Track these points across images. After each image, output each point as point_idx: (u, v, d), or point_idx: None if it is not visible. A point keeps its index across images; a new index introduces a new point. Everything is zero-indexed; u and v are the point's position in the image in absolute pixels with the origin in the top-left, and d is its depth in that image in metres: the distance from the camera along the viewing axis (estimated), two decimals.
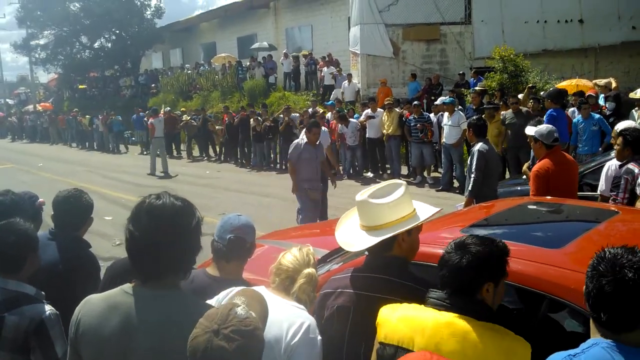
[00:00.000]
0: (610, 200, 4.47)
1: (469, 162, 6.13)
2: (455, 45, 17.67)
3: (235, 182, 13.87)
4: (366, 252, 2.40)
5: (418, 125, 11.83)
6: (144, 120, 19.53)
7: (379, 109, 13.16)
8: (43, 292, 2.51)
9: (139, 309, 1.78)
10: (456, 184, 11.27)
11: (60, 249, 3.04)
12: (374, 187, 2.38)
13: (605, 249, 1.68)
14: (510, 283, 2.18)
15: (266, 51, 23.48)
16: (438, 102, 12.30)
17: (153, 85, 28.29)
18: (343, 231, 2.48)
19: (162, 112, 17.92)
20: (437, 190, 11.21)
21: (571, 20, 17.43)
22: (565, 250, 2.56)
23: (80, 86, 34.35)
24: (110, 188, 13.39)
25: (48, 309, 2.42)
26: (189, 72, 27.02)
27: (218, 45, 29.96)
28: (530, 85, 12.15)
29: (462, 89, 14.87)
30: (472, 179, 5.84)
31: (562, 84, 12.80)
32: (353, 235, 2.38)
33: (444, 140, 11.16)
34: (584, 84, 12.69)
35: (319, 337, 2.09)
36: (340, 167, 13.56)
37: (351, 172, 13.69)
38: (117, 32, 34.25)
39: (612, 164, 4.79)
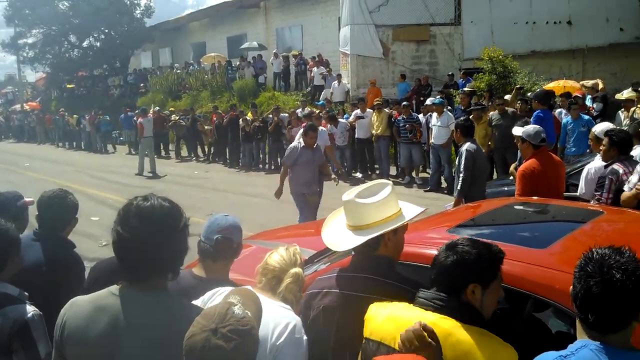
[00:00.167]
0: (594, 200, 4.50)
1: (457, 162, 6.16)
2: (444, 46, 17.75)
3: (224, 182, 13.83)
4: (352, 252, 2.41)
5: (407, 125, 11.85)
6: (133, 120, 19.43)
7: (368, 110, 13.17)
8: (26, 293, 2.48)
9: (127, 310, 1.78)
10: (444, 184, 11.31)
11: (45, 250, 3.01)
12: (360, 187, 2.38)
13: (593, 250, 1.67)
14: None
15: (256, 51, 23.44)
16: (427, 102, 12.34)
17: (142, 84, 28.13)
18: (329, 231, 2.48)
19: (151, 112, 17.85)
20: (426, 191, 11.24)
21: (559, 22, 17.58)
22: (550, 250, 2.58)
23: (69, 85, 34.09)
24: (97, 188, 13.30)
25: (31, 310, 2.39)
26: (178, 71, 26.88)
27: (208, 44, 29.86)
28: (518, 86, 12.22)
29: (451, 90, 14.94)
30: (460, 179, 5.87)
31: (550, 85, 12.89)
32: (339, 235, 2.38)
33: (432, 140, 11.20)
34: (572, 85, 12.79)
35: (305, 337, 2.09)
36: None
37: (340, 172, 13.67)
38: (106, 31, 34.01)
39: (591, 167, 4.82)
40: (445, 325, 1.81)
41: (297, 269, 2.24)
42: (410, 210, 2.37)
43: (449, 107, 12.12)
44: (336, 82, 17.69)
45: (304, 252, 4.03)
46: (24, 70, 40.97)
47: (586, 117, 9.15)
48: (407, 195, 10.64)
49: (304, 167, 7.10)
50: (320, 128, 10.95)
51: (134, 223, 1.79)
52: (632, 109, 8.93)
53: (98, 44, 35.12)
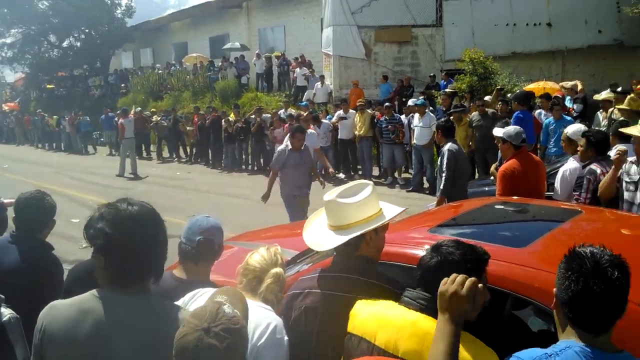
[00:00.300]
0: (573, 201, 4.56)
1: (439, 162, 6.20)
2: (426, 47, 17.87)
3: (206, 183, 13.76)
4: (334, 252, 2.41)
5: (389, 126, 11.90)
6: (114, 121, 19.24)
7: (351, 110, 13.21)
8: (3, 296, 2.44)
9: (115, 313, 1.77)
10: (426, 184, 11.37)
11: (22, 252, 2.97)
12: (341, 187, 2.38)
13: (582, 249, 1.67)
14: None
15: (238, 51, 23.35)
16: (409, 103, 12.41)
17: (123, 85, 27.87)
18: (311, 231, 2.48)
19: (132, 113, 17.72)
20: (408, 191, 11.29)
21: (539, 24, 17.79)
22: (529, 249, 2.60)
23: (48, 86, 33.61)
24: (77, 190, 13.15)
25: (8, 312, 2.36)
26: (160, 72, 26.69)
27: (190, 45, 29.68)
28: (498, 87, 12.35)
29: (433, 91, 15.04)
30: (443, 178, 5.91)
31: (530, 87, 13.05)
32: (321, 235, 2.38)
33: (414, 141, 11.26)
34: (551, 86, 12.95)
35: (286, 338, 2.09)
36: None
37: (323, 173, 13.69)
38: (87, 31, 33.63)
39: (566, 169, 4.88)
40: (426, 326, 1.82)
41: (277, 269, 2.23)
42: (390, 210, 2.38)
43: (431, 108, 12.19)
44: (319, 83, 17.70)
45: (287, 253, 4.05)
46: (2, 70, 40.46)
47: (568, 117, 9.26)
48: (390, 195, 10.68)
49: (294, 170, 7.01)
50: (309, 131, 10.94)
51: (125, 226, 1.80)
52: (610, 109, 9.06)
53: (78, 43, 34.73)
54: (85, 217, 1.91)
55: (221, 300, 1.68)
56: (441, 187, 5.93)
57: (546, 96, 10.36)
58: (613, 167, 4.23)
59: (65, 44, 35.14)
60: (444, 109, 11.60)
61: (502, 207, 3.79)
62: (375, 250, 2.35)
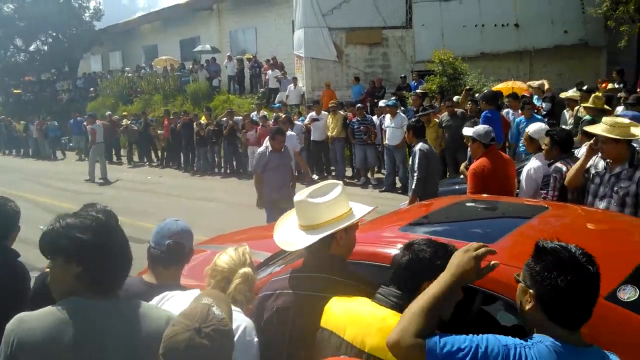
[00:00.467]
0: (540, 198, 4.64)
1: (410, 162, 6.26)
2: (397, 49, 18.02)
3: (178, 187, 13.62)
4: (305, 252, 2.42)
5: (361, 127, 11.97)
6: (82, 125, 18.91)
7: (323, 112, 13.23)
8: None
9: (95, 320, 1.77)
10: (399, 184, 11.45)
11: None
12: (311, 188, 2.40)
13: (551, 245, 1.68)
14: None
15: (209, 54, 23.21)
16: (380, 104, 12.49)
17: (92, 89, 27.48)
18: (282, 232, 2.48)
19: (107, 119, 17.62)
20: (381, 191, 11.36)
21: (507, 25, 18.10)
22: (498, 245, 2.63)
23: (15, 91, 32.87)
24: (46, 196, 12.88)
25: None
26: (130, 75, 26.36)
27: (160, 47, 29.36)
28: (467, 87, 12.52)
29: (404, 92, 15.17)
30: (415, 178, 5.97)
31: (498, 86, 13.26)
32: (292, 235, 2.39)
33: (386, 141, 11.33)
34: (519, 86, 13.17)
35: (256, 340, 2.09)
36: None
37: (296, 174, 13.67)
38: (54, 34, 32.96)
39: (530, 168, 4.97)
40: (395, 322, 1.82)
41: (246, 269, 2.22)
42: (360, 209, 2.40)
43: (402, 109, 12.30)
44: (292, 85, 17.70)
45: (261, 255, 4.03)
46: None
47: (539, 116, 9.42)
48: (363, 195, 10.74)
49: (274, 172, 6.95)
50: (289, 132, 10.91)
51: (101, 234, 1.82)
52: (576, 108, 9.26)
53: (45, 47, 34.02)
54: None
55: (208, 302, 1.70)
56: (413, 187, 5.99)
57: (513, 95, 10.53)
58: (584, 156, 4.32)
59: (32, 47, 34.38)
60: (415, 109, 11.71)
61: (471, 204, 3.85)
62: (346, 249, 2.36)
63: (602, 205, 4.14)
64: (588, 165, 4.36)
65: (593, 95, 7.46)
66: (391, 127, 11.13)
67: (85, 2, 33.61)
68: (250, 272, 2.22)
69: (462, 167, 6.47)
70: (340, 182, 2.42)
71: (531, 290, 1.67)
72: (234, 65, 21.55)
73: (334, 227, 2.27)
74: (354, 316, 1.94)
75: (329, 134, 12.75)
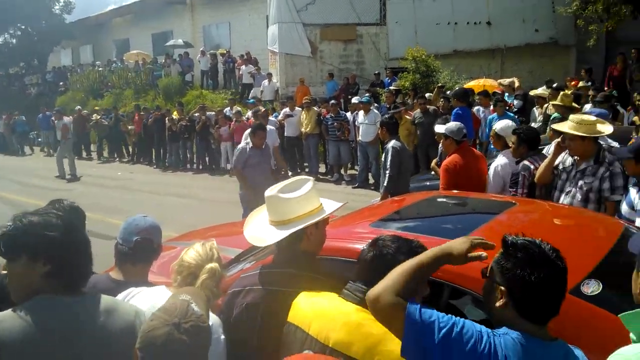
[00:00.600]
0: (509, 195, 4.71)
1: (383, 159, 6.29)
2: (371, 45, 18.08)
3: (149, 183, 13.46)
4: (276, 248, 2.41)
5: (335, 123, 11.98)
6: (51, 120, 18.53)
7: (297, 108, 13.21)
8: None
9: (71, 318, 1.76)
10: (372, 180, 11.51)
11: None
12: (282, 183, 2.40)
13: (521, 241, 1.70)
14: None
15: (182, 48, 22.94)
16: (354, 100, 12.52)
17: (61, 83, 26.90)
18: (252, 228, 2.48)
19: (77, 114, 17.27)
20: (354, 187, 11.40)
21: (480, 23, 18.31)
22: None
23: None
24: (14, 192, 12.59)
25: None
26: (100, 69, 25.92)
27: (132, 41, 28.90)
28: (440, 85, 12.63)
29: (378, 89, 15.22)
30: (387, 176, 6.01)
31: (470, 84, 13.39)
32: (262, 230, 2.39)
33: (360, 138, 11.37)
34: (490, 83, 13.33)
35: (222, 337, 2.08)
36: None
37: (274, 168, 13.64)
38: (23, 27, 32.14)
39: (497, 165, 5.04)
40: (359, 317, 1.85)
41: (213, 264, 2.20)
42: (330, 205, 2.41)
43: (376, 105, 12.35)
44: (266, 80, 17.61)
45: (232, 251, 4.00)
46: None
47: (511, 114, 9.55)
48: (336, 192, 10.77)
49: (254, 169, 6.78)
50: (269, 127, 10.84)
51: (70, 230, 1.80)
52: (545, 105, 9.41)
53: (14, 40, 33.16)
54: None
55: (187, 298, 1.70)
56: (385, 185, 6.03)
57: (484, 93, 10.66)
58: (552, 154, 4.40)
59: None
60: (388, 106, 11.77)
61: (441, 200, 3.89)
62: (316, 245, 2.37)
63: (566, 200, 4.22)
64: (556, 162, 4.44)
65: (561, 93, 7.60)
66: (365, 123, 11.17)
67: None
68: (217, 268, 2.20)
69: (433, 163, 6.53)
70: (311, 178, 2.44)
71: (502, 287, 1.67)
72: (207, 60, 21.34)
73: (304, 222, 2.27)
74: (320, 311, 1.95)
75: (303, 130, 12.74)
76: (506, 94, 11.73)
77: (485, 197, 4.20)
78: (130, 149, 17.91)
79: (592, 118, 4.39)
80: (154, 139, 16.14)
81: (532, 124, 9.56)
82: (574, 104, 7.11)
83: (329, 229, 2.43)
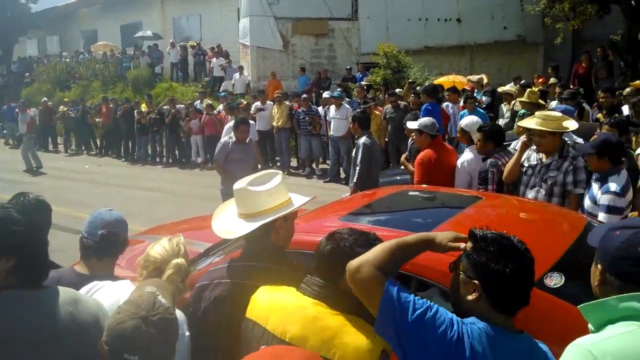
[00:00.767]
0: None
1: (353, 154, 6.32)
2: (342, 40, 18.11)
3: (118, 176, 13.24)
4: (244, 241, 2.41)
5: (307, 118, 11.98)
6: (15, 112, 18.05)
7: (268, 102, 13.15)
8: None
9: (28, 312, 1.73)
10: (343, 175, 11.55)
11: None
12: (251, 177, 2.39)
13: (497, 235, 1.71)
14: None
15: (151, 40, 22.59)
16: (325, 95, 12.53)
17: (27, 74, 26.25)
18: (220, 221, 2.46)
19: (43, 105, 16.88)
20: (325, 182, 11.42)
21: (450, 19, 18.50)
22: None
23: None
24: None
25: None
26: (67, 60, 25.38)
27: (100, 32, 28.32)
28: (410, 80, 12.73)
29: (349, 83, 15.26)
30: (357, 172, 6.04)
31: (440, 80, 13.55)
32: (231, 223, 2.38)
33: (331, 132, 11.39)
34: (459, 80, 13.51)
35: (187, 333, 2.07)
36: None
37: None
38: None
39: (463, 161, 5.13)
40: (316, 311, 1.85)
41: (179, 260, 2.18)
42: (299, 199, 2.41)
43: (348, 100, 12.38)
44: (237, 73, 17.48)
45: (202, 245, 3.98)
46: None
47: (481, 110, 9.67)
48: (308, 186, 10.77)
49: (236, 165, 6.52)
50: (251, 122, 10.75)
51: (36, 224, 1.79)
52: (513, 102, 9.56)
53: None
54: None
55: (153, 290, 1.69)
56: (354, 181, 6.05)
57: (453, 89, 10.78)
58: (518, 151, 4.48)
59: None
60: (359, 101, 11.81)
61: (409, 195, 3.94)
62: (285, 238, 2.37)
63: (531, 194, 4.31)
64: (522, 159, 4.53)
65: (528, 90, 7.73)
66: (336, 118, 11.19)
67: None
68: (183, 263, 2.18)
69: (402, 158, 6.59)
70: (280, 172, 2.44)
71: (475, 281, 1.68)
72: (177, 52, 21.07)
73: (274, 214, 2.27)
74: (277, 306, 1.94)
75: (274, 124, 12.70)
76: (475, 91, 11.89)
77: (452, 191, 4.27)
78: (98, 142, 17.58)
79: (558, 114, 4.49)
80: (123, 131, 15.88)
81: (500, 120, 9.73)
82: (540, 101, 7.24)
83: (298, 223, 2.44)
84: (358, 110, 7.29)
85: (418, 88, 11.11)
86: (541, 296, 2.21)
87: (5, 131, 21.24)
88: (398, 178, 6.78)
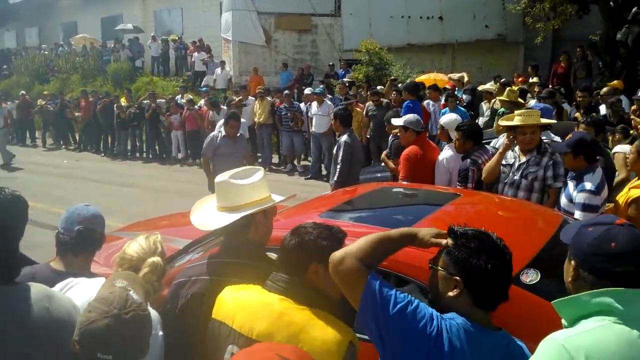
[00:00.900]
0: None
1: (334, 152, 6.33)
2: (325, 36, 18.09)
3: (97, 171, 13.05)
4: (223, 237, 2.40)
5: (289, 114, 11.95)
6: None
7: (250, 97, 13.09)
8: None
9: (7, 306, 1.72)
10: (325, 171, 11.55)
11: None
12: (232, 171, 2.39)
13: (476, 231, 1.73)
14: None
15: (132, 33, 22.31)
16: (306, 92, 12.52)
17: (5, 66, 25.79)
18: (199, 214, 2.46)
19: (21, 99, 16.67)
20: (307, 179, 11.40)
21: (432, 17, 18.57)
22: None
23: None
24: None
25: None
26: (47, 53, 24.99)
27: (80, 25, 27.87)
28: (392, 78, 12.77)
29: (332, 80, 15.26)
30: (337, 170, 6.05)
31: (421, 78, 13.60)
32: (210, 216, 2.37)
33: (313, 129, 11.38)
34: (440, 78, 13.58)
35: (160, 333, 2.05)
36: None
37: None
38: None
39: (442, 158, 5.18)
40: (281, 307, 1.86)
41: (155, 258, 2.17)
42: (278, 197, 2.42)
43: (329, 97, 12.38)
44: (219, 68, 17.36)
45: (181, 242, 3.95)
46: None
47: (462, 109, 9.74)
48: (289, 182, 10.76)
49: (225, 160, 6.32)
50: (242, 119, 10.64)
51: (10, 217, 1.77)
52: (492, 100, 9.65)
53: None
54: None
55: (124, 285, 1.66)
56: (335, 179, 6.06)
57: (434, 87, 10.85)
58: (499, 151, 4.53)
59: None
60: (341, 98, 11.82)
61: (389, 192, 3.96)
62: (264, 234, 2.37)
63: (511, 191, 4.38)
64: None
65: (508, 88, 7.81)
66: (318, 114, 11.18)
67: None
68: (159, 262, 2.17)
69: (383, 155, 6.61)
70: (261, 168, 2.44)
71: (457, 277, 1.69)
72: (158, 46, 20.84)
73: (255, 207, 2.28)
74: (243, 304, 1.94)
75: (256, 120, 12.65)
76: (456, 89, 11.97)
77: (432, 188, 4.30)
78: (77, 136, 17.33)
79: (537, 110, 4.57)
80: (102, 126, 15.67)
81: (480, 119, 9.81)
82: (519, 100, 7.32)
83: (278, 219, 2.44)
84: (339, 107, 7.27)
85: (400, 85, 11.16)
86: (517, 292, 2.23)
87: None
88: (379, 175, 6.82)
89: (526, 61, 18.10)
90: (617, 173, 5.06)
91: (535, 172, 4.31)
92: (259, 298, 1.92)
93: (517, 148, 4.48)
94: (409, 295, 1.70)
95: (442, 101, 10.04)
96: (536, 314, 2.22)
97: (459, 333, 1.63)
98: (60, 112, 17.16)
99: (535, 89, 10.40)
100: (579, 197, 3.78)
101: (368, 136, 10.62)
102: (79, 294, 2.03)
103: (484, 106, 10.26)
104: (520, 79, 13.10)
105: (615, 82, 10.84)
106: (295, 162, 12.52)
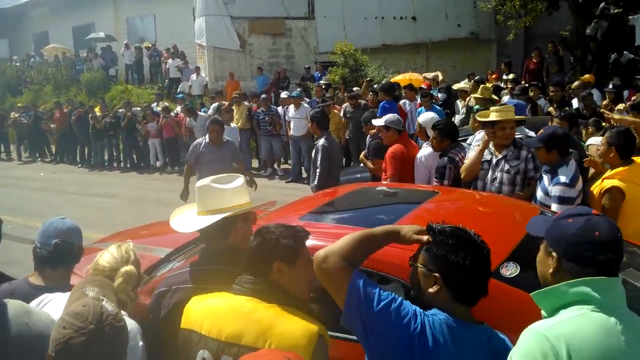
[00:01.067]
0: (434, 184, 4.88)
1: (313, 155, 6.32)
2: (300, 39, 18.12)
3: (74, 183, 12.88)
4: (203, 245, 2.40)
5: (267, 118, 11.94)
6: None
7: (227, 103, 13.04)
8: None
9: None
10: (305, 174, 11.56)
11: None
12: (214, 176, 2.41)
13: (454, 228, 1.76)
14: None
15: (104, 42, 22.07)
16: (283, 95, 12.52)
17: None
18: (179, 219, 2.45)
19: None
20: (287, 182, 11.41)
21: (405, 17, 18.72)
22: None
23: None
24: None
25: None
26: (18, 64, 24.60)
27: (51, 35, 27.48)
28: (368, 79, 12.83)
29: (308, 83, 15.29)
30: (317, 174, 6.04)
31: (396, 78, 13.70)
32: (190, 220, 2.37)
33: (292, 132, 11.39)
34: (415, 77, 13.68)
35: (141, 344, 2.04)
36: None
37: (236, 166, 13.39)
38: None
39: (421, 156, 5.24)
40: (248, 307, 1.87)
41: (128, 267, 2.15)
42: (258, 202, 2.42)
43: (307, 100, 12.40)
44: (194, 74, 17.27)
45: (163, 251, 3.91)
46: None
47: (438, 107, 9.82)
48: (270, 186, 10.73)
49: (209, 167, 6.05)
50: (232, 125, 10.57)
51: None
52: (467, 98, 9.76)
53: None
54: None
55: (95, 294, 1.65)
56: (315, 183, 6.05)
57: (410, 87, 10.93)
58: (479, 149, 4.57)
59: None
60: (318, 100, 11.85)
61: (369, 192, 3.98)
62: (243, 240, 2.34)
63: (493, 187, 4.42)
64: None
65: (482, 86, 7.92)
66: (296, 117, 11.19)
67: None
68: (132, 270, 2.15)
69: (361, 155, 6.63)
70: (241, 175, 2.46)
71: (436, 274, 1.72)
72: (132, 53, 20.62)
73: (236, 210, 2.29)
74: (210, 310, 1.94)
75: (234, 125, 12.59)
76: (432, 88, 12.07)
77: (410, 187, 4.34)
78: (53, 148, 17.08)
79: (511, 105, 4.64)
80: (78, 137, 15.46)
81: (456, 116, 9.90)
82: (493, 96, 7.42)
83: (259, 223, 2.43)
84: (315, 110, 7.26)
85: (376, 86, 11.22)
86: (497, 285, 2.26)
87: None
88: (359, 176, 6.83)
89: (499, 58, 18.35)
90: None
91: (517, 165, 4.38)
92: (227, 302, 1.93)
93: (491, 145, 4.53)
94: (393, 293, 1.72)
95: (418, 100, 10.12)
96: (517, 306, 2.24)
97: (442, 328, 1.65)
98: (34, 124, 16.90)
99: (508, 85, 10.55)
100: (555, 190, 3.84)
101: (347, 137, 10.65)
102: (55, 309, 2.00)
103: (460, 104, 10.36)
104: (493, 75, 13.27)
105: (586, 76, 11.03)
106: (275, 166, 12.51)
